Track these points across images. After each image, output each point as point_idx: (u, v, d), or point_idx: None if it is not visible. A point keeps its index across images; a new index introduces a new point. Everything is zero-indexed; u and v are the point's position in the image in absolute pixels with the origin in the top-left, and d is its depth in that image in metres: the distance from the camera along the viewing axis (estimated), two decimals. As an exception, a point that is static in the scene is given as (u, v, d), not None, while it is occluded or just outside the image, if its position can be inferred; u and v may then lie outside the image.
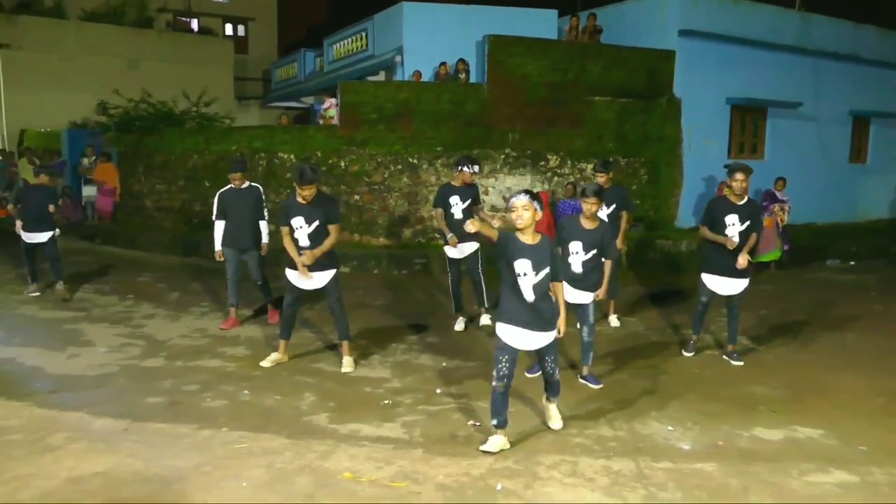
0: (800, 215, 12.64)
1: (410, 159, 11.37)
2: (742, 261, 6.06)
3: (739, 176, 6.04)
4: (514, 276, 4.29)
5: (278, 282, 9.23)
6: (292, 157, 11.65)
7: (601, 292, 5.77)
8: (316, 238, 5.82)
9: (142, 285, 9.52)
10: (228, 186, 7.23)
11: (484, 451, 4.33)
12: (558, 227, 5.94)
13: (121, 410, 4.94)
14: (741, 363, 6.33)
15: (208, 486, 3.85)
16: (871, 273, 11.29)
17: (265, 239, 7.31)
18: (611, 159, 7.31)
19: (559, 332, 4.50)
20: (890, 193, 15.78)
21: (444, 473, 4.04)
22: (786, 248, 10.86)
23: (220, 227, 7.22)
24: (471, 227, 4.17)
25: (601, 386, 5.72)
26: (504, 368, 4.34)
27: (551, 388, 4.72)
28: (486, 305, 7.51)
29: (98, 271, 10.46)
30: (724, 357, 6.47)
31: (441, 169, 11.40)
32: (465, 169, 7.14)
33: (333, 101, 13.93)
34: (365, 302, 8.47)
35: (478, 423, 4.83)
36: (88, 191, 15.35)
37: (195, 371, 5.90)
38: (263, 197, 7.32)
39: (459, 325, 7.45)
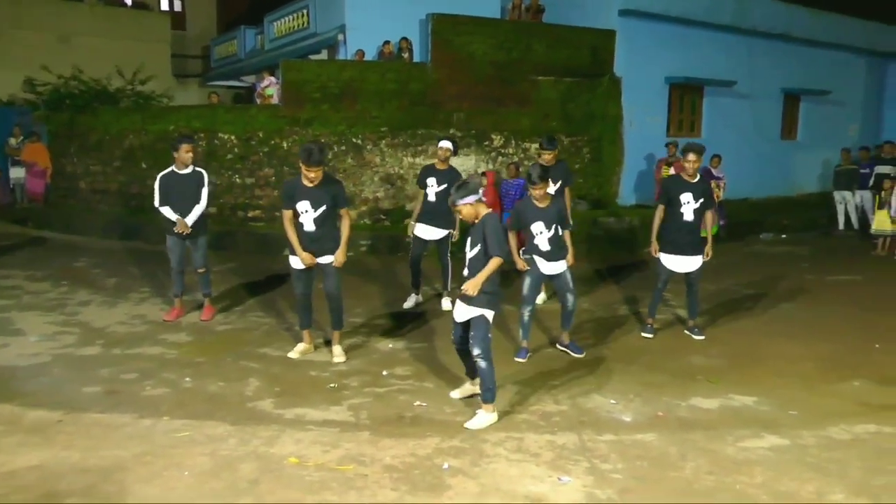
0: (736, 191, 13.03)
1: (354, 140, 11.24)
2: (708, 249, 6.36)
3: (692, 157, 6.20)
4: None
5: (228, 264, 9.10)
6: (233, 137, 11.38)
7: (570, 258, 5.90)
8: (323, 224, 5.50)
9: (77, 271, 9.17)
10: (169, 170, 6.71)
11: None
12: (515, 213, 5.97)
13: (55, 401, 4.78)
14: (702, 337, 6.48)
15: (149, 475, 3.76)
16: (802, 245, 11.77)
17: (191, 220, 6.64)
18: (555, 136, 7.39)
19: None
20: (818, 168, 16.40)
21: (391, 455, 4.05)
22: (722, 223, 11.19)
23: (167, 210, 6.69)
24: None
25: (584, 354, 5.93)
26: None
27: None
28: (449, 289, 7.52)
29: (29, 256, 10.04)
30: (686, 332, 6.61)
31: (385, 149, 11.30)
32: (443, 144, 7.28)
33: (273, 79, 13.61)
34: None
35: (424, 404, 4.85)
36: (16, 172, 14.65)
37: (135, 359, 5.74)
38: (206, 182, 6.78)
39: (410, 301, 7.49)
